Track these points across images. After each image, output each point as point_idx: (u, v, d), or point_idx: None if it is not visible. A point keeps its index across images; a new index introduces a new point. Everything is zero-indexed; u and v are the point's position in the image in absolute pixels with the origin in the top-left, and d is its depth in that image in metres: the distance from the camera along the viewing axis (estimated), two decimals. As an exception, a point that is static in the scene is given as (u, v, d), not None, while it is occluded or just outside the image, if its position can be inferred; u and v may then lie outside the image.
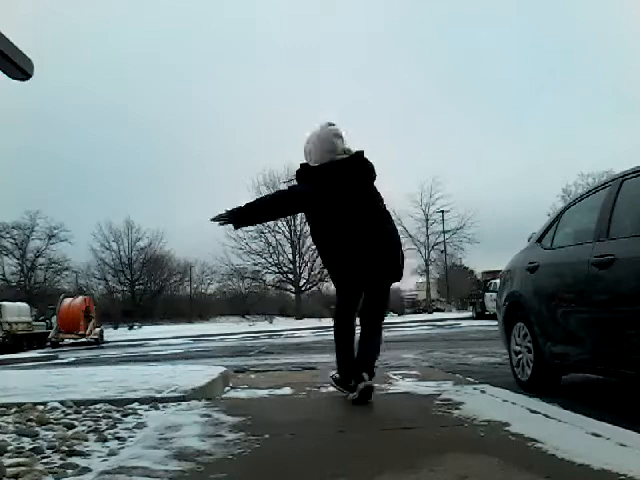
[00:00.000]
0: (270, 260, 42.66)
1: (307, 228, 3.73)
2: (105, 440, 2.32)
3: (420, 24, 59.14)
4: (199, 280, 52.51)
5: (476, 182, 54.48)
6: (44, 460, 2.00)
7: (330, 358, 6.96)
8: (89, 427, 2.53)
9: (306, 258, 40.84)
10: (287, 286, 45.23)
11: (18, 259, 43.73)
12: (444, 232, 41.11)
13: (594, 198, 3.53)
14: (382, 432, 2.40)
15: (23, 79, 2.01)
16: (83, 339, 22.75)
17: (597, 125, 53.66)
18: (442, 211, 40.60)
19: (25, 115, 47.87)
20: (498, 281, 5.23)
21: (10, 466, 1.86)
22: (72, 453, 2.09)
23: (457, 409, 2.76)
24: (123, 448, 2.19)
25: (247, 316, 43.57)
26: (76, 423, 2.62)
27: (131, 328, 37.87)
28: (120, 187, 56.59)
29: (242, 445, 2.17)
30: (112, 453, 2.11)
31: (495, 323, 5.03)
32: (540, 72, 57.86)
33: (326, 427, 2.57)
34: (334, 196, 3.13)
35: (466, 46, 57.78)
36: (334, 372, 3.47)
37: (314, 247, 3.67)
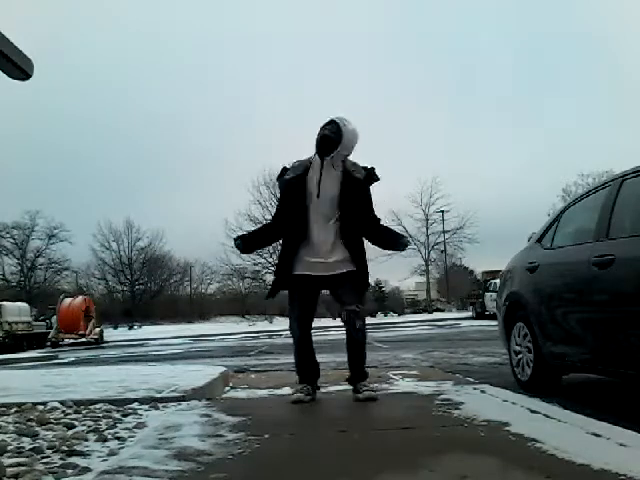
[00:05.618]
0: (270, 260, 42.66)
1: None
2: (105, 440, 2.32)
3: (420, 24, 59.03)
4: (199, 280, 52.53)
5: (476, 182, 54.51)
6: (44, 460, 2.00)
7: (328, 358, 6.98)
8: (89, 427, 2.54)
9: (306, 258, 40.76)
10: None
11: (18, 259, 43.72)
12: (444, 232, 41.13)
13: (594, 198, 3.53)
14: (382, 432, 2.39)
15: (23, 79, 2.01)
16: (83, 339, 22.77)
17: (597, 125, 53.63)
18: (442, 211, 40.60)
19: (25, 115, 47.84)
20: (498, 281, 5.23)
21: (10, 466, 1.86)
22: (72, 453, 2.09)
23: (457, 409, 2.76)
24: (123, 448, 2.20)
25: (247, 316, 43.54)
26: (76, 423, 2.63)
27: (131, 328, 37.88)
28: (120, 187, 56.60)
29: (242, 445, 2.17)
30: (112, 453, 2.11)
31: (495, 323, 5.03)
32: (540, 71, 57.95)
33: (326, 427, 2.57)
34: None
35: (466, 46, 57.77)
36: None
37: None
